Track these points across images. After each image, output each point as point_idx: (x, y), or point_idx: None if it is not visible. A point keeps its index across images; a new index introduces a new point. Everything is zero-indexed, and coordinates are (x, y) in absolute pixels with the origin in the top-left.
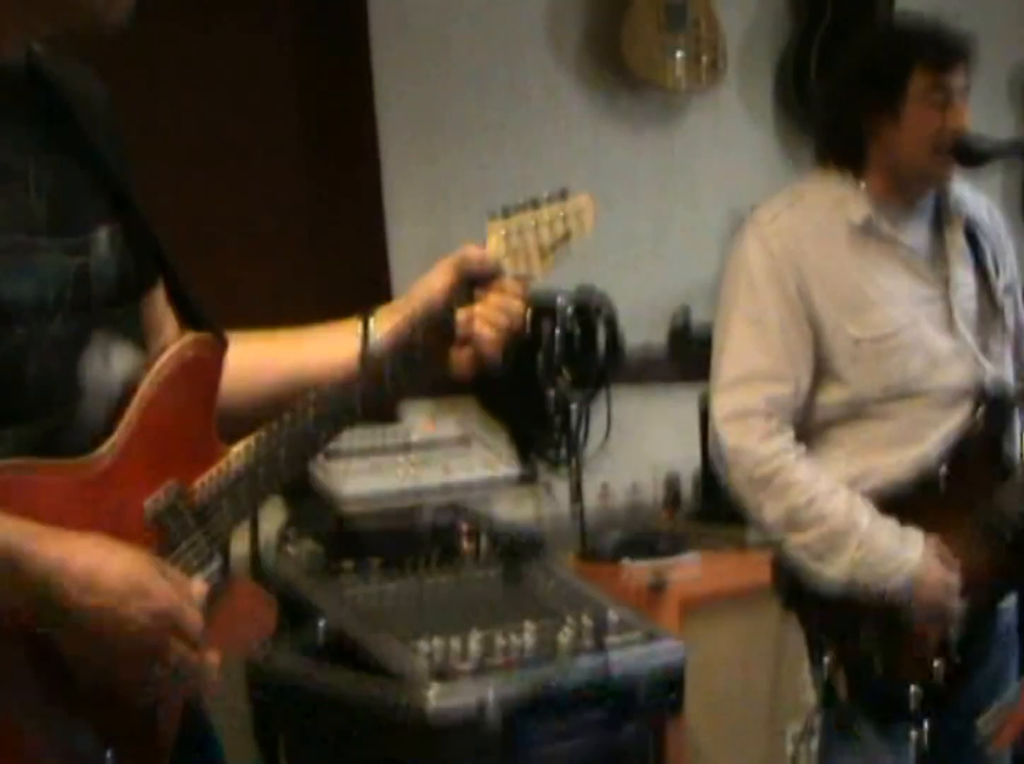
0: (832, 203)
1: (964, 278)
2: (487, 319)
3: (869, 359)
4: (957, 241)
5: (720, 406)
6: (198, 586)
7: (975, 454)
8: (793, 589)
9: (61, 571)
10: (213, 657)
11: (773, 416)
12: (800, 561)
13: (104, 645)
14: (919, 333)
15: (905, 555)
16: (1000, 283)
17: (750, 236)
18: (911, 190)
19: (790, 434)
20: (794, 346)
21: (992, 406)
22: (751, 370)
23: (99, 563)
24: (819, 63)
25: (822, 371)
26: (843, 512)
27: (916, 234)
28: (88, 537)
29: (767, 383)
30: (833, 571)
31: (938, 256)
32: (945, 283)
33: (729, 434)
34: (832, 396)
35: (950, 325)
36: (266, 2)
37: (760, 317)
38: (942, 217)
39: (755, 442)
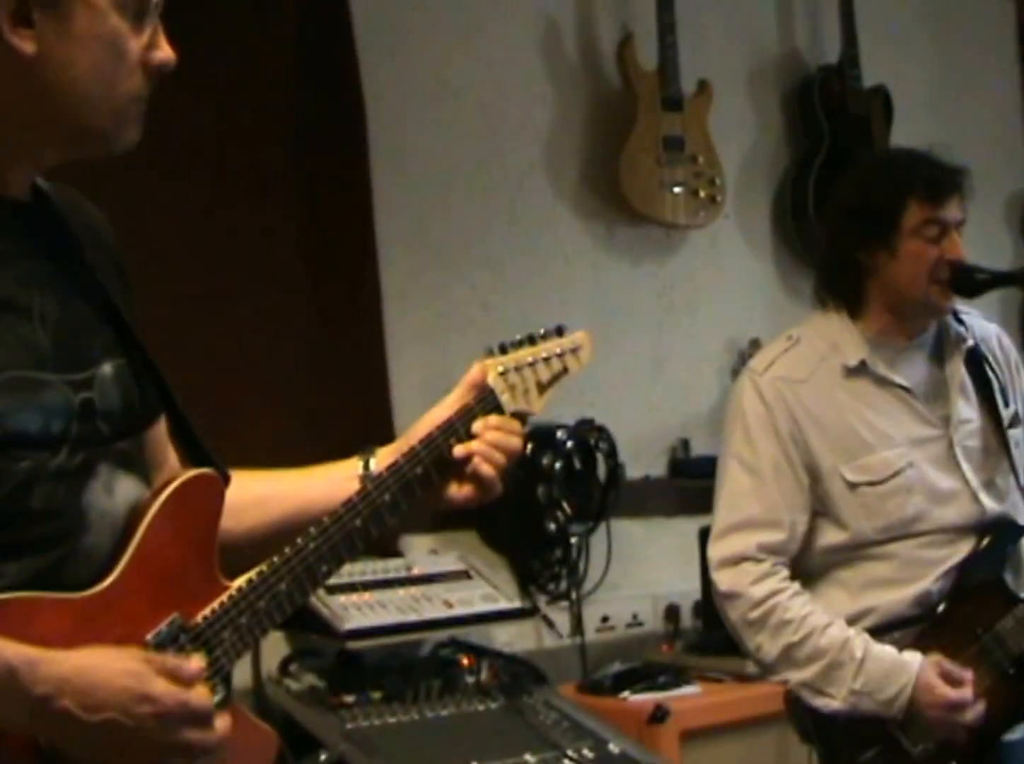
0: (828, 347)
1: (965, 413)
2: (485, 457)
3: (867, 502)
4: (957, 375)
5: (715, 553)
6: (196, 663)
7: (977, 587)
8: (805, 717)
9: (61, 694)
10: (223, 722)
11: (765, 560)
12: (803, 696)
13: (119, 752)
14: (917, 474)
15: (902, 681)
16: (1007, 414)
17: (745, 383)
18: (910, 324)
19: (784, 573)
20: (789, 493)
21: (994, 540)
22: (744, 518)
23: (96, 678)
24: (817, 194)
25: (821, 513)
26: (838, 646)
27: (915, 371)
28: (82, 653)
29: (760, 530)
30: (835, 704)
31: (938, 392)
32: (945, 420)
33: (723, 579)
34: (832, 538)
35: (950, 463)
36: (267, 137)
37: (755, 464)
38: (943, 351)
39: (748, 585)
